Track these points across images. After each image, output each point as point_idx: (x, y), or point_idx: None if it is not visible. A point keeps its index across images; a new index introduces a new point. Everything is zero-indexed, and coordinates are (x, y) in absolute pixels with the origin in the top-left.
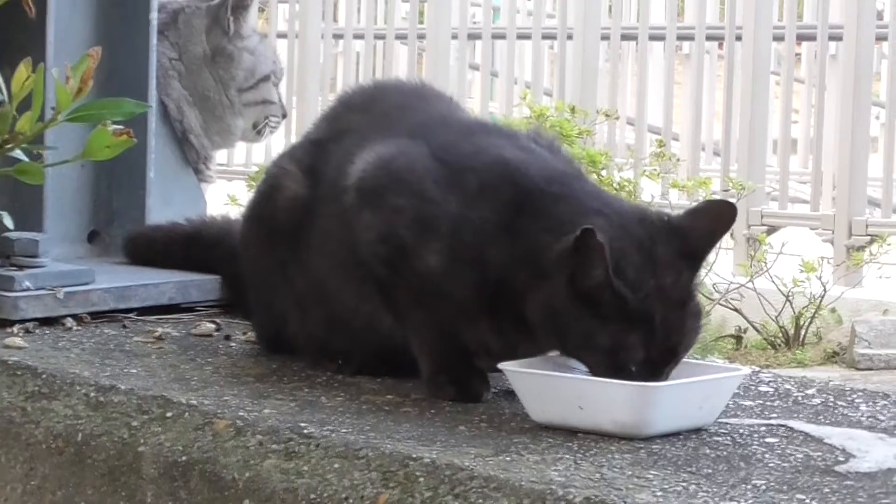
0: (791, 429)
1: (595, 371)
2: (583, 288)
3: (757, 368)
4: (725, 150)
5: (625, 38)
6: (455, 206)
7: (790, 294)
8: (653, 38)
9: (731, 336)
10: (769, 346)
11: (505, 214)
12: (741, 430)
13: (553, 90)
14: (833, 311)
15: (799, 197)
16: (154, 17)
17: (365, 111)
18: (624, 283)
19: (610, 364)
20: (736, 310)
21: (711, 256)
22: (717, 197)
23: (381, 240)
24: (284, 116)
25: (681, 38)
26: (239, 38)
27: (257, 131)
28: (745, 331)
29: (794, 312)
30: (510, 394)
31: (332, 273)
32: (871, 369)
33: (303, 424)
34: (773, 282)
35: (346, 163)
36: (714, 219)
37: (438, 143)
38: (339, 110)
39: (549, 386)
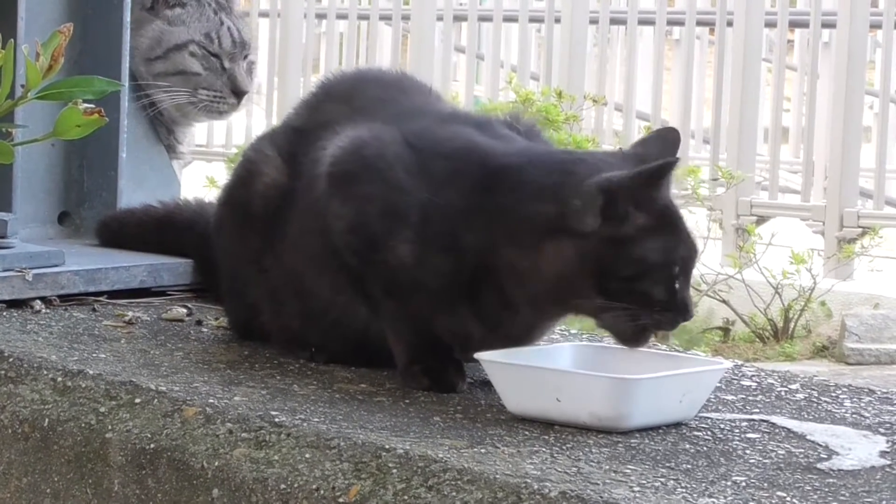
0: (773, 424)
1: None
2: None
3: (739, 362)
4: (715, 137)
5: (613, 22)
6: (425, 193)
7: (779, 286)
8: (642, 22)
9: (719, 328)
10: (757, 339)
11: (474, 198)
12: (722, 425)
13: (540, 74)
14: (823, 304)
15: (789, 187)
16: None
17: (345, 102)
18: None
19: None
20: (724, 301)
21: (699, 246)
22: (706, 186)
23: (351, 230)
24: (238, 93)
25: (671, 22)
26: (164, 5)
27: (198, 108)
28: (732, 323)
29: (784, 305)
30: (487, 385)
31: (307, 266)
32: (860, 364)
33: (274, 413)
34: (762, 273)
35: (321, 151)
36: (662, 143)
37: (411, 130)
38: (320, 97)
39: (526, 377)
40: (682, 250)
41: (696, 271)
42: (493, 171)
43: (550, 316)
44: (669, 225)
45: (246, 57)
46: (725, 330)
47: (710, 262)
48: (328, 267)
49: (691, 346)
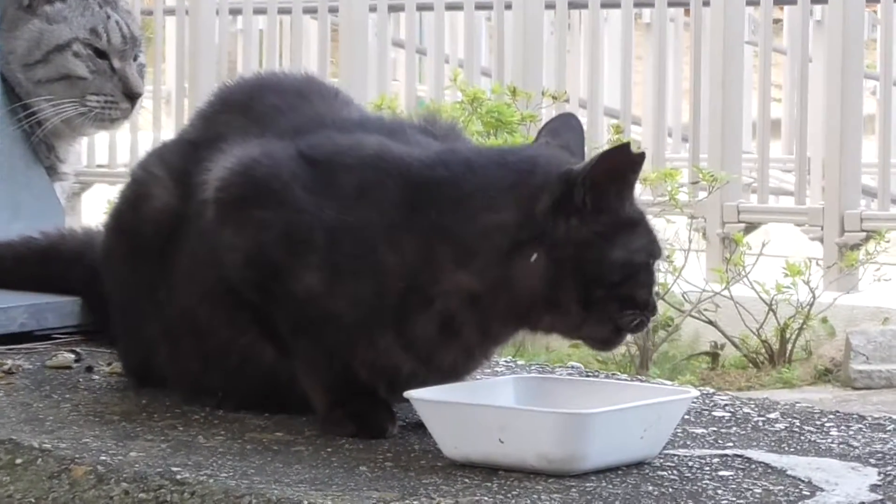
0: (749, 459)
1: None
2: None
3: (711, 390)
4: (695, 134)
5: (573, 6)
6: (331, 212)
7: (773, 302)
8: (606, 5)
9: (706, 353)
10: (750, 365)
11: (398, 213)
12: (690, 463)
13: (491, 69)
14: (824, 321)
15: (782, 188)
16: None
17: (241, 113)
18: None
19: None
20: (711, 322)
21: (680, 261)
22: (685, 190)
23: (248, 263)
24: (132, 96)
25: (639, 4)
26: (43, 1)
27: (88, 118)
28: (721, 347)
29: (779, 324)
30: (420, 427)
31: (202, 302)
32: (869, 388)
33: (176, 469)
34: (753, 289)
35: (206, 173)
36: (571, 130)
37: (308, 143)
38: (216, 107)
39: (464, 416)
40: (655, 247)
41: (678, 288)
42: (421, 182)
43: (502, 339)
44: (642, 221)
45: (136, 57)
46: (714, 355)
47: (693, 279)
48: (225, 303)
49: (675, 376)
